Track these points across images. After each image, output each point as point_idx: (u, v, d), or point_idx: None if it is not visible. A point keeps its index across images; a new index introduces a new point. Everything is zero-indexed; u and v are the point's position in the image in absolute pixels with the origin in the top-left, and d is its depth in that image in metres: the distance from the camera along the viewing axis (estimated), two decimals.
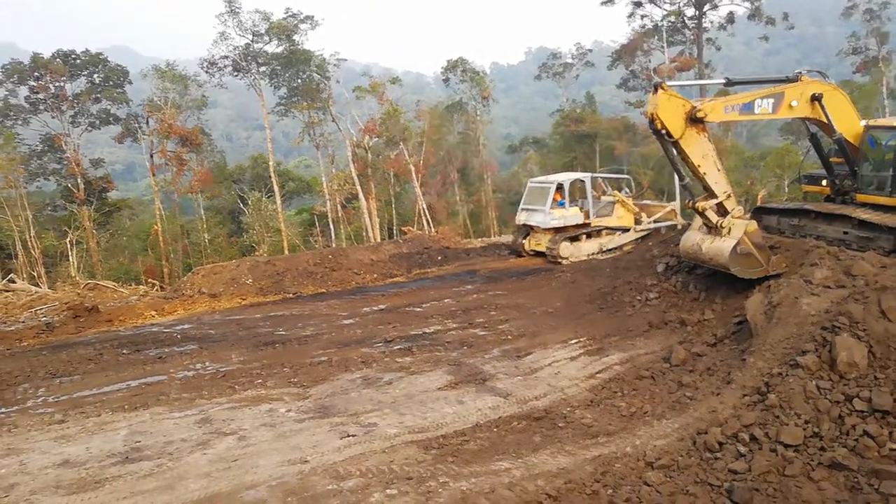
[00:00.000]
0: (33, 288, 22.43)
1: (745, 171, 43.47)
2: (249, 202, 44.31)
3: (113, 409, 9.31)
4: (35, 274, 35.71)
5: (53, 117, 39.63)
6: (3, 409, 9.58)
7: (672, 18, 45.43)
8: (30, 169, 40.18)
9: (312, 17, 40.36)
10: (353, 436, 7.92)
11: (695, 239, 11.79)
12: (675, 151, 10.86)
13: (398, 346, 11.89)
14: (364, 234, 42.54)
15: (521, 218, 21.68)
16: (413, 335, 12.66)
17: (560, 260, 19.78)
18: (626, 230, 21.64)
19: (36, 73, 38.48)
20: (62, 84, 39.31)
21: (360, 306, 16.07)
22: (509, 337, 12.18)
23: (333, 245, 41.19)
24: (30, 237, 37.37)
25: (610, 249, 21.03)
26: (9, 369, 11.60)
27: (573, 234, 20.52)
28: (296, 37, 40.01)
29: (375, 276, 20.03)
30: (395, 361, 10.99)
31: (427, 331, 13.00)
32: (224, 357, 11.82)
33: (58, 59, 38.69)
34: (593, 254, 20.70)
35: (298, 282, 19.13)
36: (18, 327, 15.86)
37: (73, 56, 39.50)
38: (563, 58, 57.26)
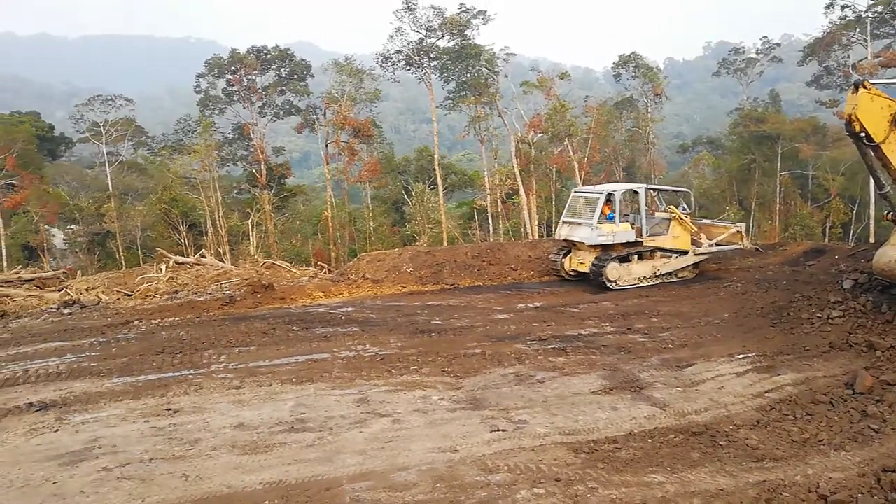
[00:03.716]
0: (219, 263, 24.64)
1: None
2: (413, 193, 45.82)
3: (282, 380, 9.98)
4: (221, 251, 39.27)
5: (244, 108, 43.44)
6: (192, 371, 10.60)
7: (880, 8, 40.90)
8: (222, 154, 44.29)
9: (485, 11, 40.91)
10: (502, 430, 7.92)
11: (892, 255, 10.59)
12: (874, 157, 9.81)
13: (552, 346, 11.73)
14: (522, 230, 42.58)
15: (563, 232, 18.63)
16: (568, 336, 12.45)
17: (607, 283, 17.24)
18: (683, 253, 18.66)
19: (233, 68, 42.24)
20: (254, 77, 42.92)
21: (516, 302, 16.07)
22: (670, 346, 11.62)
23: (491, 239, 41.58)
24: (218, 217, 41.17)
25: (664, 274, 18.34)
26: (197, 335, 12.86)
27: (622, 253, 17.76)
28: (468, 32, 40.75)
29: (532, 272, 19.90)
30: (549, 360, 10.86)
31: (583, 332, 12.72)
32: (383, 341, 12.28)
33: (251, 55, 42.21)
34: (645, 278, 18.05)
35: (456, 273, 19.48)
36: (206, 298, 17.48)
37: (264, 52, 42.89)
38: (747, 53, 53.81)
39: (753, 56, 53.70)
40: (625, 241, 17.80)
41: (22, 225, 41.50)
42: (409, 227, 45.72)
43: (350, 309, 15.63)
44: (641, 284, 17.86)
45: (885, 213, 10.54)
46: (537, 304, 15.84)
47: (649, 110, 48.39)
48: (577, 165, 41.73)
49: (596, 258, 17.59)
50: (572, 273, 18.77)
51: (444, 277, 19.22)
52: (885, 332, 10.43)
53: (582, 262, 18.30)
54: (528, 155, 42.77)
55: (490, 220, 45.06)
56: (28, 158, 41.32)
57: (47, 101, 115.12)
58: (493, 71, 41.95)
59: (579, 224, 18.11)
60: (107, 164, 46.00)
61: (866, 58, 40.71)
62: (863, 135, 9.58)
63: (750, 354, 10.81)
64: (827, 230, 43.39)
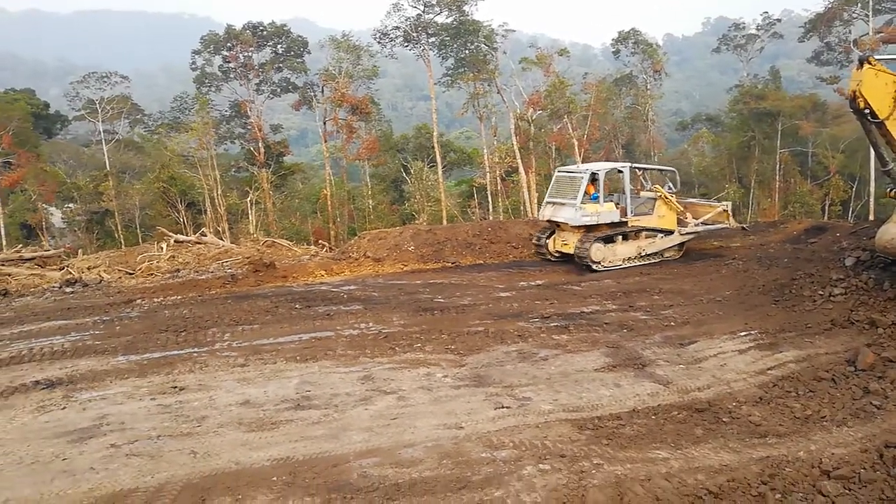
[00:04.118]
0: (220, 242, 24.61)
1: None
2: (412, 171, 45.62)
3: (287, 358, 10.03)
4: (220, 229, 39.17)
5: (241, 85, 43.00)
6: (197, 349, 10.66)
7: None
8: (219, 132, 43.97)
9: None
10: (507, 407, 7.98)
11: (895, 232, 10.60)
12: (878, 133, 9.79)
13: (555, 324, 11.79)
14: (521, 208, 42.49)
15: (546, 213, 18.35)
16: (570, 313, 12.50)
17: (591, 264, 16.98)
18: (668, 233, 18.48)
19: (229, 44, 41.79)
20: (250, 54, 42.44)
21: (517, 280, 16.12)
22: (672, 323, 11.68)
23: (490, 218, 41.52)
24: (217, 195, 41.03)
25: (649, 255, 18.22)
26: (201, 314, 12.89)
27: (607, 234, 17.53)
28: (466, 7, 40.29)
29: (533, 251, 19.91)
30: (552, 338, 10.91)
31: (585, 310, 12.78)
32: (386, 319, 12.33)
33: (248, 31, 41.74)
34: (630, 259, 17.91)
35: (458, 252, 19.50)
36: (208, 277, 17.50)
37: (261, 28, 42.40)
38: (747, 28, 53.30)
39: (753, 32, 53.14)
40: (609, 222, 17.55)
41: (20, 204, 41.31)
42: (409, 206, 45.59)
43: (352, 287, 15.66)
44: (626, 265, 17.70)
45: (888, 189, 10.53)
46: (539, 281, 15.89)
47: (648, 87, 48.13)
48: (576, 143, 41.50)
49: (580, 239, 17.35)
50: (556, 254, 18.49)
51: (445, 256, 19.24)
52: (887, 310, 10.49)
53: (566, 243, 18.00)
54: (527, 132, 42.49)
55: (489, 199, 44.94)
56: (24, 136, 40.99)
57: (41, 77, 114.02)
58: (492, 47, 41.53)
59: (563, 204, 17.75)
60: (103, 142, 45.64)
61: (867, 33, 40.33)
62: (867, 111, 9.57)
63: (752, 332, 10.88)
64: (826, 208, 43.37)
